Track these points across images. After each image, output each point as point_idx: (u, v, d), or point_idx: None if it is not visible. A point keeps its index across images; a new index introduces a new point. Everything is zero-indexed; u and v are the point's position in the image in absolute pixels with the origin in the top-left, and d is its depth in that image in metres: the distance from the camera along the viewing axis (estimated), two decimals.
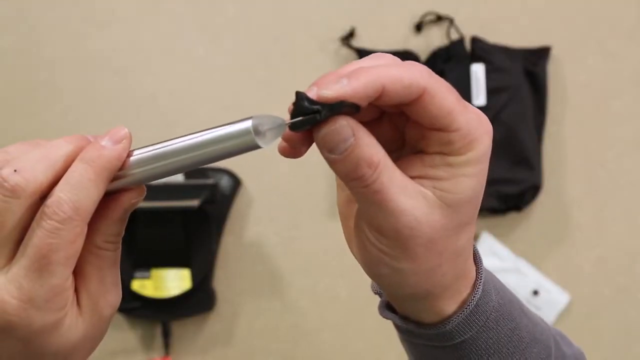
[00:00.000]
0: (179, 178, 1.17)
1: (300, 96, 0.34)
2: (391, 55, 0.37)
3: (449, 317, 0.39)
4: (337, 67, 1.23)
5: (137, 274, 1.16)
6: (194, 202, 1.13)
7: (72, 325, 0.38)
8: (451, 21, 1.20)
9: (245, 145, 0.34)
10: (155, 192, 1.09)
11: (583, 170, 1.24)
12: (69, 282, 0.37)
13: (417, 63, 0.35)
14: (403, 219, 0.35)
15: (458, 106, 0.35)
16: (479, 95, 1.15)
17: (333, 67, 1.22)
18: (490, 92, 1.15)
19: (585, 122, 1.23)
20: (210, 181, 1.17)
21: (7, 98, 1.21)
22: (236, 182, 1.20)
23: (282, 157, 0.36)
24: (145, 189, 0.39)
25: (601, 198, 1.24)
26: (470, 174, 0.35)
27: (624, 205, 1.24)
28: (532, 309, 1.24)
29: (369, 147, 0.34)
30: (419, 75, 0.34)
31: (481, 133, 0.36)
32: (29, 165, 0.36)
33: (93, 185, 0.36)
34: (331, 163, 0.35)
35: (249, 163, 1.20)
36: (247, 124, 0.34)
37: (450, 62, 1.16)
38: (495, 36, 1.19)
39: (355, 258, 0.40)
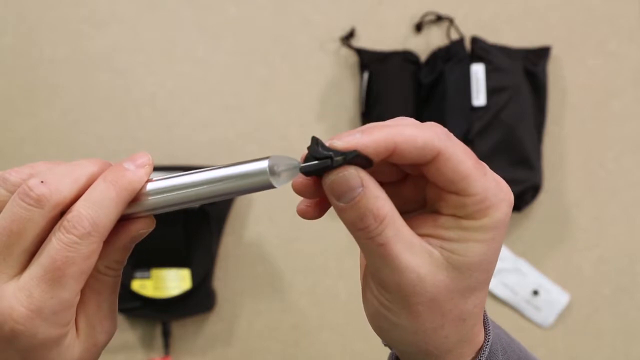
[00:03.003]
0: None
1: (314, 140, 0.35)
2: (412, 120, 0.37)
3: None
4: (337, 67, 1.23)
5: (137, 274, 1.16)
6: None
7: (70, 345, 0.38)
8: (451, 21, 1.20)
9: (260, 184, 0.35)
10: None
11: (583, 170, 1.24)
12: (77, 299, 0.37)
13: (435, 124, 0.35)
14: (406, 275, 0.35)
15: (475, 172, 0.35)
16: (479, 95, 1.15)
17: (333, 67, 1.22)
18: (490, 92, 1.15)
19: (585, 122, 1.23)
20: None
21: (7, 98, 1.21)
22: None
23: None
24: (154, 221, 0.40)
25: (601, 198, 1.24)
26: (481, 239, 0.35)
27: (624, 205, 1.24)
28: (532, 309, 1.24)
29: (377, 200, 0.34)
30: (435, 137, 0.34)
31: (499, 200, 0.35)
32: (55, 179, 0.36)
33: (113, 204, 0.36)
34: (338, 211, 0.35)
35: None
36: (264, 164, 0.35)
37: (450, 62, 1.16)
38: (495, 36, 1.19)
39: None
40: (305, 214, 0.37)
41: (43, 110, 1.21)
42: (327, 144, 0.34)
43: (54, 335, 0.36)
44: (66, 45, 1.21)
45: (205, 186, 0.36)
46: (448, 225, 0.35)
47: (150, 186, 0.38)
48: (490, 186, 0.35)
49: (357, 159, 0.34)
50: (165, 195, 0.38)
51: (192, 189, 0.37)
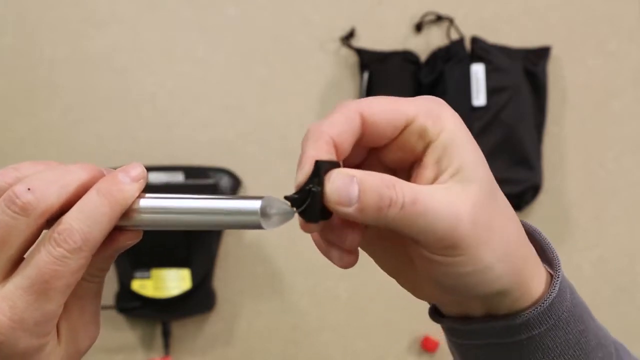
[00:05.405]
0: (179, 178, 1.17)
1: (286, 197, 0.35)
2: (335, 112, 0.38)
3: (521, 311, 0.38)
4: (337, 67, 1.23)
5: (137, 274, 1.16)
6: None
7: (51, 353, 0.37)
8: (451, 21, 1.20)
9: (249, 223, 0.35)
10: (155, 192, 1.09)
11: (583, 170, 1.24)
12: (60, 310, 0.36)
13: (344, 103, 0.37)
14: (452, 215, 0.34)
15: (400, 100, 0.36)
16: (479, 95, 1.15)
17: (333, 67, 1.22)
18: (490, 92, 1.15)
19: (585, 122, 1.23)
20: (210, 181, 1.17)
21: (7, 98, 1.21)
22: (236, 182, 1.20)
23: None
24: (142, 233, 0.39)
25: (601, 198, 1.24)
26: (459, 143, 0.36)
27: (624, 205, 1.24)
28: None
29: (373, 175, 0.34)
30: (348, 109, 0.36)
31: (437, 105, 0.36)
32: (42, 186, 0.35)
33: (106, 219, 0.36)
34: (359, 212, 0.34)
35: (249, 163, 1.20)
36: (256, 204, 0.35)
37: (450, 62, 1.16)
38: (495, 36, 1.19)
39: (427, 301, 0.40)
40: (349, 264, 0.37)
41: (43, 110, 1.21)
42: (295, 188, 0.34)
43: (35, 345, 0.36)
44: (66, 45, 1.21)
45: (194, 215, 0.36)
46: (431, 160, 0.36)
47: (142, 203, 0.37)
48: (421, 102, 0.36)
49: (325, 166, 0.34)
50: (154, 215, 0.37)
51: (181, 215, 0.36)
